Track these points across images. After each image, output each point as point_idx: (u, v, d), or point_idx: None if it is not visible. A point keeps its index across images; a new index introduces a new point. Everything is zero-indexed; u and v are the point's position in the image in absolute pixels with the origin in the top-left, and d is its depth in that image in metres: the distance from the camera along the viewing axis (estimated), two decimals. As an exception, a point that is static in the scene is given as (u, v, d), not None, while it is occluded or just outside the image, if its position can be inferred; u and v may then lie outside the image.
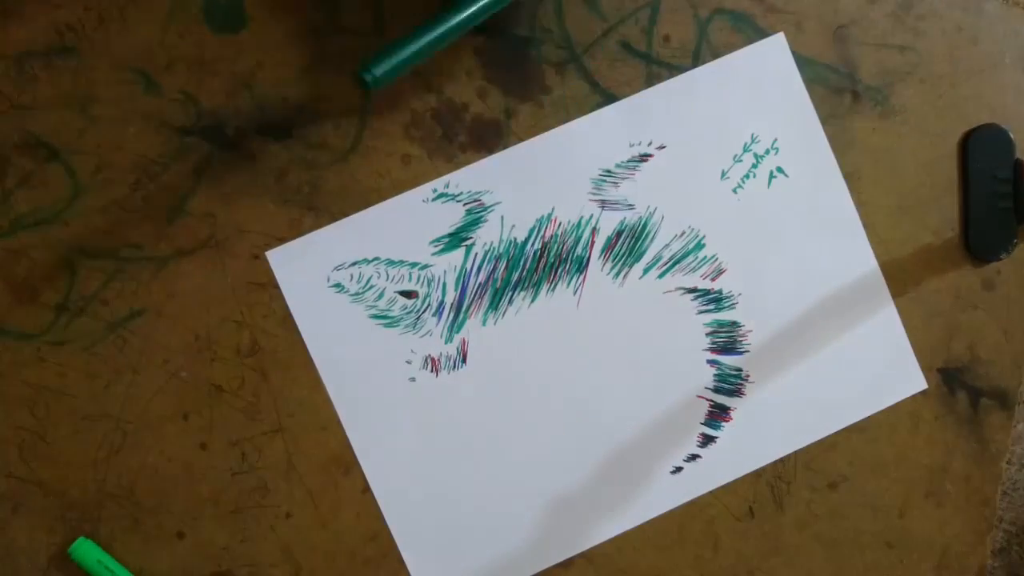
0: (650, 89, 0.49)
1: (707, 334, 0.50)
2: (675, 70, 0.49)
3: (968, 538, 0.53)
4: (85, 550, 0.47)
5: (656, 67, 0.49)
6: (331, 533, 0.49)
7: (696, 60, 0.49)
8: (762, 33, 0.50)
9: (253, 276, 0.48)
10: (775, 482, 0.51)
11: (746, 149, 0.50)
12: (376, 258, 0.48)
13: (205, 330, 0.48)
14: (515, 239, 0.49)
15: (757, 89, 0.50)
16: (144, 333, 0.48)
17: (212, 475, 0.48)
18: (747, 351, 0.51)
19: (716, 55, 0.49)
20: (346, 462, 0.49)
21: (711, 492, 0.51)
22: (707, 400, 0.51)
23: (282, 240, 0.48)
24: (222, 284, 0.48)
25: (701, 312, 0.50)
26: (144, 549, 0.48)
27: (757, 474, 0.51)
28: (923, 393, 0.52)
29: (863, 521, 0.52)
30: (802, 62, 0.50)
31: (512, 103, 0.49)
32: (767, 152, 0.50)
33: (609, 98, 0.49)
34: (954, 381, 0.52)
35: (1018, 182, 0.51)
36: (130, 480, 0.48)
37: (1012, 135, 0.51)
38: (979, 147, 0.51)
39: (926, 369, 0.52)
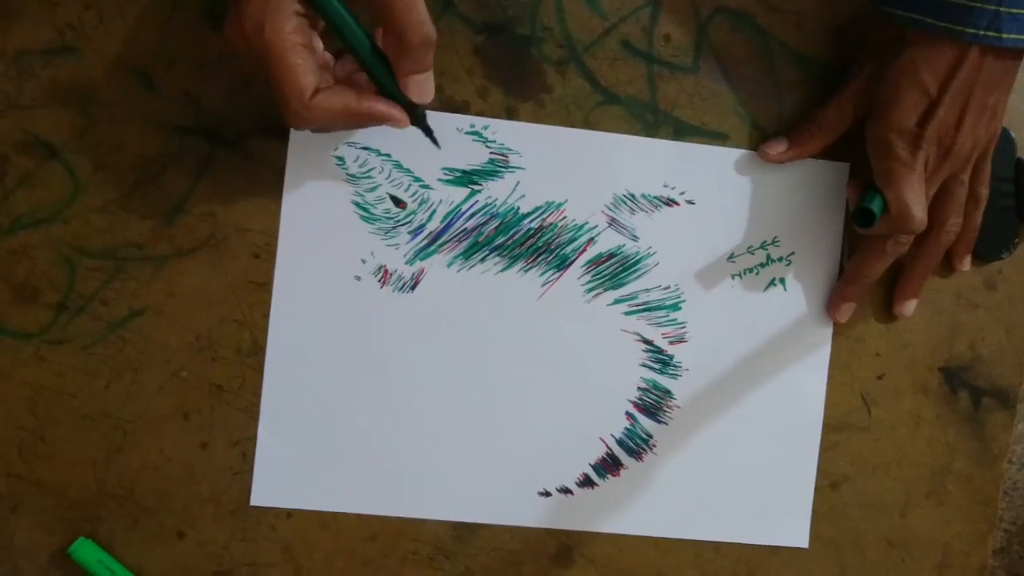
0: (715, 148, 0.49)
1: (639, 388, 0.50)
2: (676, 69, 0.49)
3: (970, 537, 0.53)
4: (85, 550, 0.47)
5: (657, 66, 0.49)
6: (331, 533, 0.49)
7: (697, 59, 0.49)
8: (763, 32, 0.50)
9: (254, 275, 0.48)
10: (776, 482, 0.51)
11: (763, 246, 0.50)
12: (388, 155, 0.48)
13: (205, 330, 0.48)
14: (518, 208, 0.49)
15: (803, 201, 0.50)
16: (144, 333, 0.47)
17: (212, 475, 0.48)
18: (666, 423, 0.50)
19: (717, 55, 0.49)
20: (346, 462, 0.49)
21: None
22: (606, 446, 0.50)
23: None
24: (222, 283, 0.48)
25: (644, 366, 0.50)
26: (144, 549, 0.48)
27: (758, 474, 0.51)
28: (924, 392, 0.52)
29: (864, 520, 0.52)
30: (801, 61, 0.50)
31: (513, 102, 0.49)
32: (780, 259, 0.50)
33: (610, 97, 0.49)
34: (956, 380, 0.52)
35: (1019, 182, 0.51)
36: (130, 480, 0.48)
37: (1013, 135, 0.51)
38: (980, 146, 0.51)
39: (928, 369, 0.52)
